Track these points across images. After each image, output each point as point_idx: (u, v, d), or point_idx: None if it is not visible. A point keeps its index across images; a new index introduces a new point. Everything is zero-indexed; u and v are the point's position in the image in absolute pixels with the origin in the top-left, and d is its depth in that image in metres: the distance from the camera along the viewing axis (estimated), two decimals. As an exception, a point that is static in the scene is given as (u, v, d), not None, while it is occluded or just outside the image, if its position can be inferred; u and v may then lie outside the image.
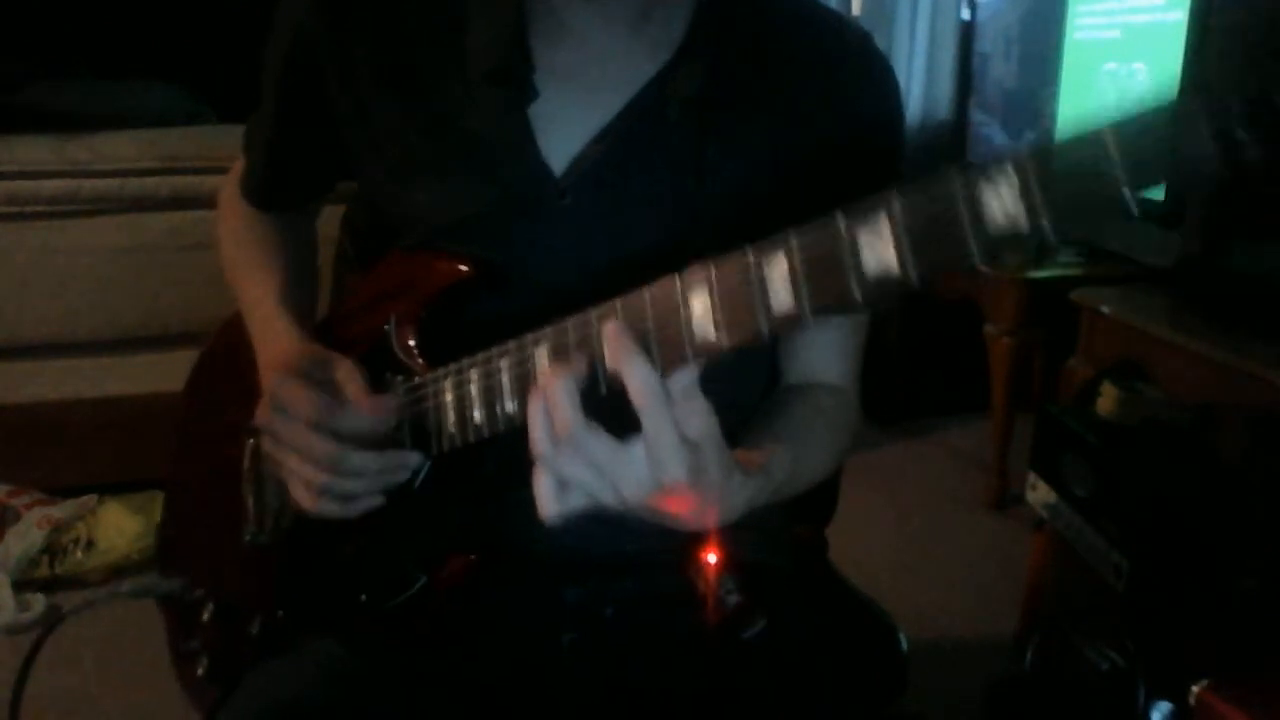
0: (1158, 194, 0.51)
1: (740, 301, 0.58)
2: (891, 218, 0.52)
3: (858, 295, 0.54)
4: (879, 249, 0.53)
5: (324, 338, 0.88)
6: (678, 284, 0.61)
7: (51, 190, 2.22)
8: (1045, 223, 0.48)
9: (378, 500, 0.79)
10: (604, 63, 0.80)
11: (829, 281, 0.55)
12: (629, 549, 0.86)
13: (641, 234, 0.80)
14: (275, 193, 0.99)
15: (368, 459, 0.77)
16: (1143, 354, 1.64)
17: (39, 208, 2.22)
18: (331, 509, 0.78)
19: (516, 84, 0.79)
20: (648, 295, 0.62)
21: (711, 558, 1.00)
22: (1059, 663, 1.44)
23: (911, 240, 0.51)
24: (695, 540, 0.96)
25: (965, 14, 3.19)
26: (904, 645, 1.05)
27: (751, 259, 0.58)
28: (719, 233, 0.81)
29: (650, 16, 0.79)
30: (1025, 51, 2.81)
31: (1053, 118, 2.65)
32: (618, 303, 0.64)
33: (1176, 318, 1.62)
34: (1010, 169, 0.49)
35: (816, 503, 1.14)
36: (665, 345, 0.61)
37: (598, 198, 0.80)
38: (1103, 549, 1.36)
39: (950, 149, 3.19)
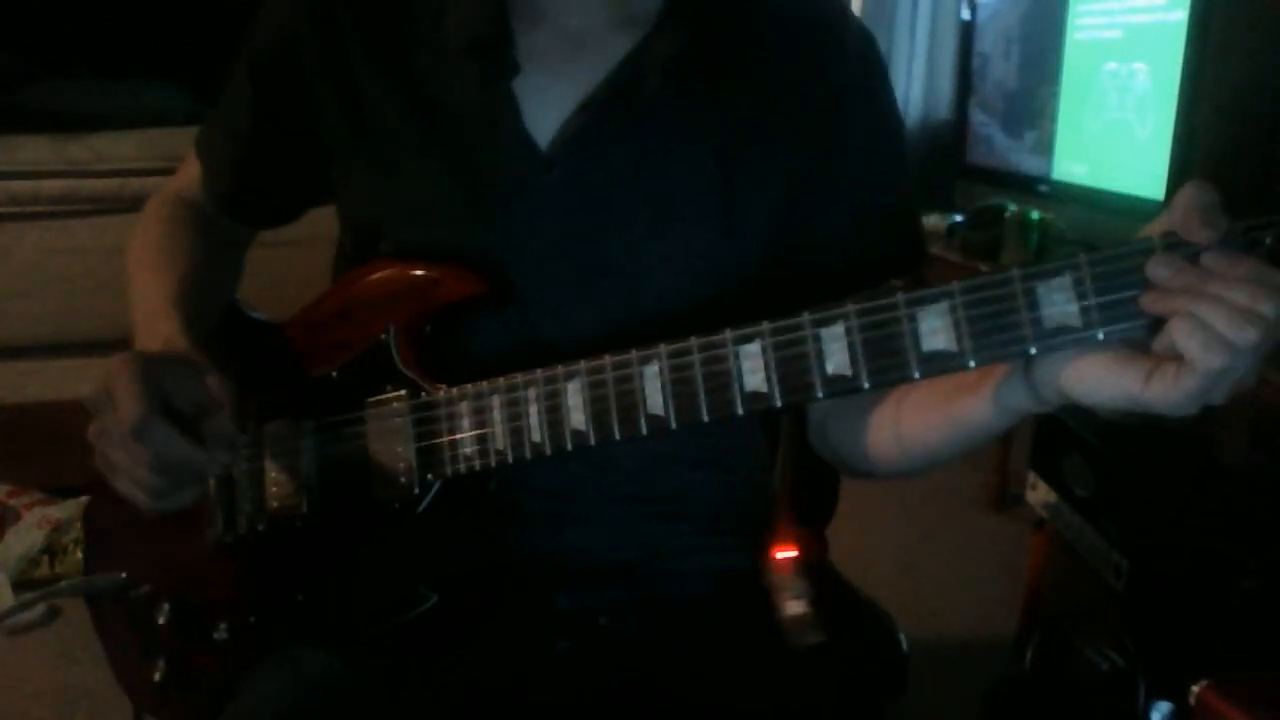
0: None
1: (794, 362, 0.63)
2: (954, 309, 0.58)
3: (915, 373, 0.60)
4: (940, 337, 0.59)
5: (289, 339, 0.86)
6: (729, 335, 0.65)
7: (51, 190, 2.22)
8: (1099, 329, 0.55)
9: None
10: (583, 40, 0.80)
11: (887, 349, 0.60)
12: (623, 556, 0.86)
13: (628, 205, 0.80)
14: (240, 202, 0.95)
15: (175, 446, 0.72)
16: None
17: (39, 208, 2.22)
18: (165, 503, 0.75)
19: (496, 56, 0.79)
20: (695, 343, 0.66)
21: (789, 554, 0.98)
22: (1059, 663, 1.44)
23: (970, 329, 0.58)
24: (770, 535, 0.97)
25: (965, 14, 3.19)
26: (904, 645, 1.05)
27: (808, 321, 0.63)
28: (705, 200, 0.81)
29: None
30: (1025, 51, 2.81)
31: (1053, 118, 2.65)
32: (663, 348, 0.67)
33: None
34: (1067, 274, 0.55)
35: (817, 503, 1.14)
36: (712, 394, 0.65)
37: (584, 170, 0.79)
38: (1103, 549, 1.35)
39: (950, 149, 3.19)
